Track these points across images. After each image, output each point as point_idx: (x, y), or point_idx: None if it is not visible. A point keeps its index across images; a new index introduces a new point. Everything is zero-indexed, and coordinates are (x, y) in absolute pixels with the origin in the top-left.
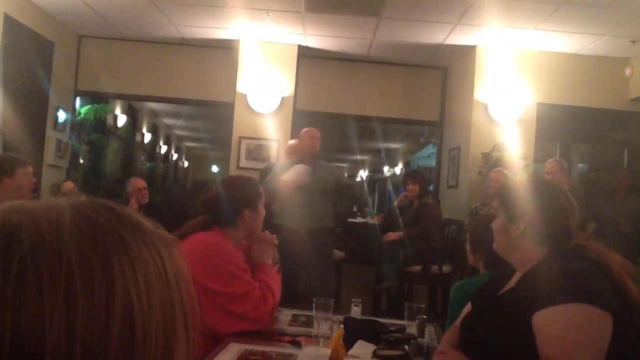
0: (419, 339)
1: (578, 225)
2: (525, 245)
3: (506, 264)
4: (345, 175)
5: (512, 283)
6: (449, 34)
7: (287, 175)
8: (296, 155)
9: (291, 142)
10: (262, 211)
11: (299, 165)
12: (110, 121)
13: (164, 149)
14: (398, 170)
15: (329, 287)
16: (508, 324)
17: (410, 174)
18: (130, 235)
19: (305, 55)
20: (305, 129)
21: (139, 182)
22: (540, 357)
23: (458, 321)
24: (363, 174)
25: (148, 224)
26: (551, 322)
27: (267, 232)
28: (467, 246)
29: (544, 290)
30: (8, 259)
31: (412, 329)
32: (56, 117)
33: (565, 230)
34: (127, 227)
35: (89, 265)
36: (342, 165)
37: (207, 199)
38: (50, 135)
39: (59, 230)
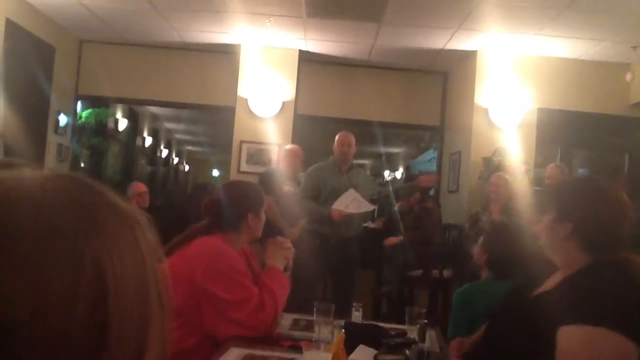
0: (419, 343)
1: (630, 237)
2: (570, 248)
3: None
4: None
5: (548, 285)
6: (450, 39)
7: (342, 203)
8: (297, 160)
9: (289, 146)
10: (264, 217)
11: (351, 192)
12: (111, 125)
13: (164, 152)
14: (399, 174)
15: (350, 295)
16: (535, 327)
17: (411, 178)
18: (105, 208)
19: (306, 60)
20: (340, 133)
21: (139, 187)
22: None
23: (476, 335)
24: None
25: (121, 201)
26: (573, 339)
27: (281, 237)
28: (478, 248)
29: (576, 305)
30: None
31: (412, 333)
32: (57, 121)
33: (613, 239)
34: (102, 199)
35: (59, 232)
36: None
37: (210, 202)
38: (51, 139)
39: (31, 200)
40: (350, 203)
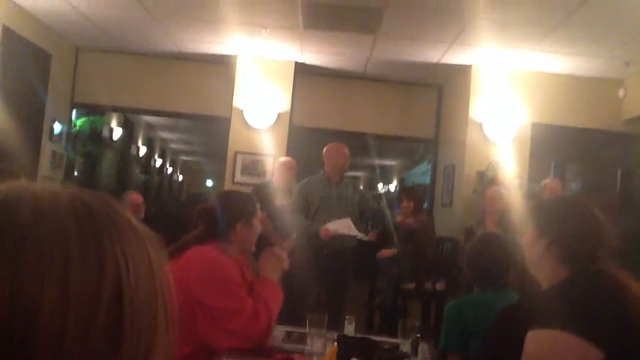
0: (412, 357)
1: (605, 248)
2: (549, 263)
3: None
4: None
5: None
6: (445, 53)
7: (334, 226)
8: (291, 173)
9: (283, 159)
10: (257, 227)
11: (347, 220)
12: (106, 133)
13: (159, 162)
14: (392, 187)
15: (343, 305)
16: (514, 335)
17: (405, 191)
18: (119, 220)
19: (302, 71)
20: (333, 145)
21: (135, 198)
22: None
23: None
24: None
25: (132, 216)
26: (535, 342)
27: (278, 248)
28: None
29: (545, 312)
30: (9, 227)
31: (405, 346)
32: (52, 129)
33: (588, 253)
34: (118, 213)
35: (83, 238)
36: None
37: (202, 210)
38: (46, 146)
39: (57, 206)
40: (343, 228)
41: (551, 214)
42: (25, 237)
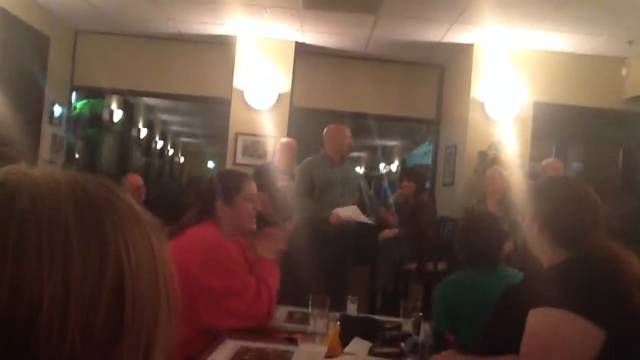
0: (414, 336)
1: (600, 225)
2: (544, 246)
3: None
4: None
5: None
6: (447, 32)
7: (344, 212)
8: (291, 153)
9: (284, 140)
10: (243, 206)
11: (354, 207)
12: (106, 116)
13: (160, 144)
14: (394, 167)
15: (345, 287)
16: (513, 317)
17: (407, 171)
18: (120, 205)
19: (303, 52)
20: (333, 126)
21: (136, 180)
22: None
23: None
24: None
25: (133, 201)
26: (537, 321)
27: (273, 228)
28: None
29: (546, 291)
30: (9, 213)
31: (407, 326)
32: (52, 112)
33: (579, 232)
34: (118, 197)
35: (84, 225)
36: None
37: (197, 190)
38: (46, 130)
39: (57, 191)
40: (353, 214)
41: (542, 196)
42: (24, 224)
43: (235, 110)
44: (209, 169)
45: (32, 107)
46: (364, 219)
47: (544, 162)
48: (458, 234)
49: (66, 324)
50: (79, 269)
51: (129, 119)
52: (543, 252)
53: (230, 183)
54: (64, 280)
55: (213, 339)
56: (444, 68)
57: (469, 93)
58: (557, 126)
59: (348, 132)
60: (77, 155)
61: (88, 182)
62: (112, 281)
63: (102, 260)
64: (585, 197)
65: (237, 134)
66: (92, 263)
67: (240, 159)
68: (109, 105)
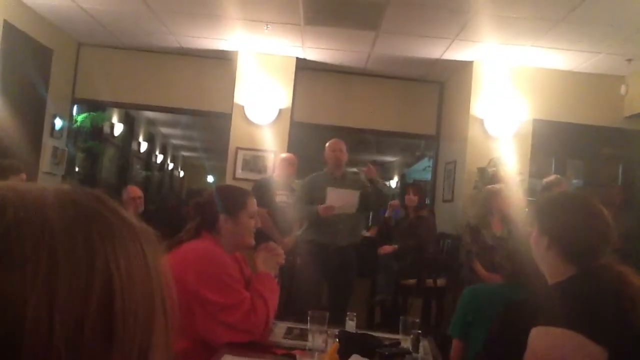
0: (413, 353)
1: (609, 244)
2: (552, 261)
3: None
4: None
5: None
6: (447, 49)
7: (335, 201)
8: (291, 168)
9: (284, 155)
10: (246, 222)
11: (347, 191)
12: (107, 129)
13: (160, 157)
14: (393, 183)
15: (347, 303)
16: (515, 333)
17: (412, 185)
18: (111, 216)
19: (303, 67)
20: (330, 141)
21: (135, 191)
22: None
23: None
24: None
25: (126, 212)
26: (538, 339)
27: (273, 243)
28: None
29: (549, 309)
30: None
31: (406, 343)
32: (53, 125)
33: (588, 249)
34: (108, 209)
35: (71, 237)
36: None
37: (196, 204)
38: (47, 142)
39: (42, 205)
40: (337, 198)
41: (550, 212)
42: (7, 236)
43: (235, 124)
44: (208, 183)
45: (33, 120)
46: (349, 194)
47: (545, 180)
48: (511, 252)
49: (51, 338)
50: (65, 281)
51: (130, 132)
52: (550, 266)
53: (234, 199)
54: (48, 293)
55: (210, 352)
56: (443, 84)
57: (468, 109)
58: (556, 143)
59: (341, 145)
60: (77, 168)
61: (78, 194)
62: (101, 292)
63: (89, 272)
64: (599, 215)
65: (237, 149)
66: (79, 275)
67: (240, 173)
68: (110, 119)
